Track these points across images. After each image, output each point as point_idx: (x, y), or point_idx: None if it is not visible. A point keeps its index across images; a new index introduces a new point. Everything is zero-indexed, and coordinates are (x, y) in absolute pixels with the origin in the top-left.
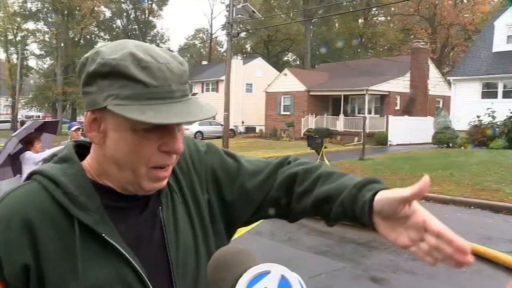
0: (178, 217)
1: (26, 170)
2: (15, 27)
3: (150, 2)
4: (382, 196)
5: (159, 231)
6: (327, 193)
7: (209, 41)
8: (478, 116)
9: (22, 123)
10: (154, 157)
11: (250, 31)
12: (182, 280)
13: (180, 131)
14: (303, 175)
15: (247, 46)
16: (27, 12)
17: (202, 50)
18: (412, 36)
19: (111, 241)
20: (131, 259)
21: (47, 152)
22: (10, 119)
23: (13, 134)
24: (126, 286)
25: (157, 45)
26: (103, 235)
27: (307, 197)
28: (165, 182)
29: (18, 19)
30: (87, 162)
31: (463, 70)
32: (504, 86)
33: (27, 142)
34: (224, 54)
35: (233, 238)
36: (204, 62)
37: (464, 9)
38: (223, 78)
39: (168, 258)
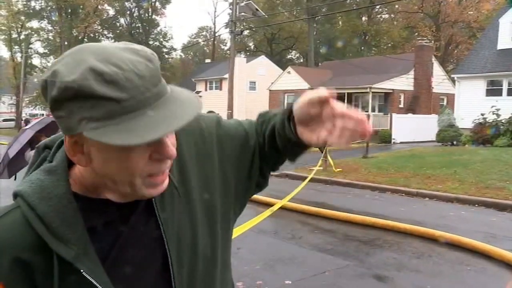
0: (175, 213)
1: None
2: (19, 26)
3: (153, 0)
4: (296, 104)
5: (157, 231)
6: (271, 129)
7: (212, 39)
8: (482, 114)
9: (27, 121)
10: (147, 167)
11: (254, 29)
12: (186, 279)
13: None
14: (261, 124)
15: (250, 44)
16: (31, 11)
17: (205, 48)
18: (416, 33)
19: (89, 278)
20: None
21: None
22: (14, 118)
23: (26, 127)
24: None
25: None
26: (81, 271)
27: (266, 141)
28: (165, 184)
29: (22, 17)
30: (79, 174)
31: (467, 68)
32: (509, 84)
33: (33, 141)
34: (228, 52)
35: (236, 235)
36: (208, 60)
37: (469, 6)
38: (226, 76)
39: (168, 257)
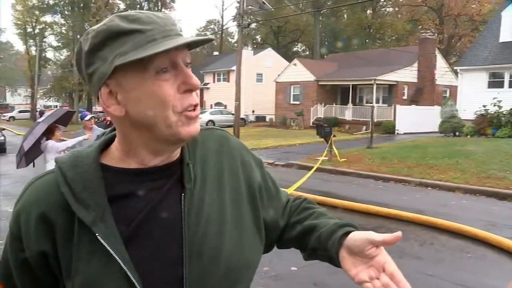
0: (203, 203)
1: (50, 158)
2: (34, 20)
3: None
4: (355, 234)
5: (177, 215)
6: (313, 225)
7: (220, 32)
8: (484, 106)
9: (41, 113)
10: (178, 101)
11: (260, 22)
12: (196, 261)
13: (189, 70)
14: (301, 209)
15: (257, 37)
16: (45, 5)
17: (213, 41)
18: (420, 26)
19: (103, 242)
20: (120, 262)
21: (71, 142)
22: (29, 109)
23: (39, 120)
24: (115, 284)
25: None
26: (96, 234)
27: (296, 228)
28: (198, 126)
29: (37, 12)
30: (113, 146)
31: (470, 60)
32: (510, 76)
33: (48, 131)
34: (235, 44)
35: None
36: (216, 53)
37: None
38: (234, 68)
39: (182, 243)
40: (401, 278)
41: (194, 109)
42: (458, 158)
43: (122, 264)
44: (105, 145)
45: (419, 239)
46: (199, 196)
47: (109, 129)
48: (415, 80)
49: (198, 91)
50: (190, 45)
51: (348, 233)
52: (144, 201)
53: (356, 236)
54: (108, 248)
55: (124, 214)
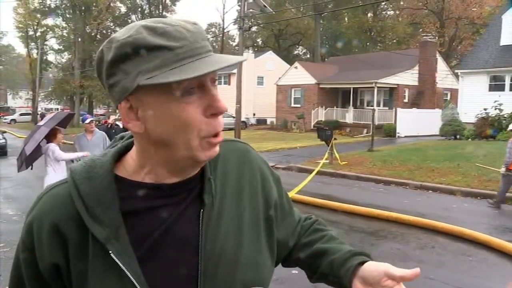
0: (222, 218)
1: (50, 162)
2: (35, 23)
3: None
4: (371, 265)
5: (195, 231)
6: (324, 249)
7: (221, 35)
8: (485, 109)
9: (42, 115)
10: (204, 125)
11: (261, 25)
12: (211, 280)
13: (215, 90)
14: (312, 231)
15: (258, 40)
16: (46, 9)
17: (214, 44)
18: (421, 29)
19: (117, 260)
20: (134, 281)
21: (71, 156)
22: (30, 112)
23: (40, 124)
24: None
25: None
26: (110, 252)
27: (306, 249)
28: (218, 149)
29: (38, 15)
30: (129, 156)
31: (470, 63)
32: (511, 79)
33: (49, 134)
34: (236, 47)
35: None
36: None
37: (472, 3)
38: (235, 71)
39: (198, 260)
40: None
41: (217, 135)
42: (459, 161)
43: (136, 284)
44: (120, 154)
45: (420, 243)
46: (218, 212)
47: (128, 133)
48: (416, 83)
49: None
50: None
51: (363, 262)
52: (161, 218)
53: (372, 267)
54: (122, 266)
55: (139, 231)
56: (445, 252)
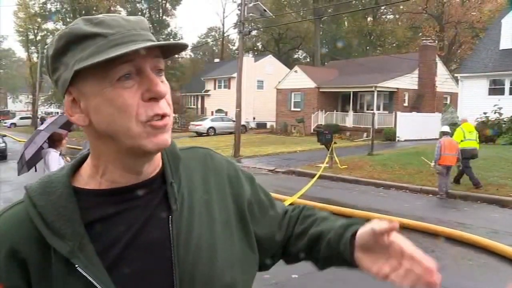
0: (193, 224)
1: (45, 167)
2: (36, 27)
3: (164, 1)
4: (361, 231)
5: (165, 236)
6: (319, 233)
7: (221, 39)
8: (485, 113)
9: (42, 119)
10: (141, 109)
11: (261, 29)
12: (188, 284)
13: (161, 80)
14: (302, 218)
15: (258, 44)
16: (46, 13)
17: (214, 48)
18: (420, 33)
19: (84, 274)
20: None
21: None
22: (31, 116)
23: (40, 128)
24: None
25: None
26: (76, 266)
27: (302, 239)
28: (167, 137)
29: (39, 19)
30: (86, 164)
31: (470, 67)
32: (511, 83)
33: (55, 139)
34: (236, 51)
35: None
36: (217, 60)
37: (472, 7)
38: (235, 75)
39: (172, 266)
40: (421, 257)
41: (161, 119)
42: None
43: None
44: (79, 165)
45: (420, 247)
46: (188, 219)
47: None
48: (416, 87)
49: (169, 101)
50: (164, 51)
51: (356, 232)
52: (127, 223)
53: (363, 233)
54: (90, 279)
55: (105, 240)
56: (445, 256)
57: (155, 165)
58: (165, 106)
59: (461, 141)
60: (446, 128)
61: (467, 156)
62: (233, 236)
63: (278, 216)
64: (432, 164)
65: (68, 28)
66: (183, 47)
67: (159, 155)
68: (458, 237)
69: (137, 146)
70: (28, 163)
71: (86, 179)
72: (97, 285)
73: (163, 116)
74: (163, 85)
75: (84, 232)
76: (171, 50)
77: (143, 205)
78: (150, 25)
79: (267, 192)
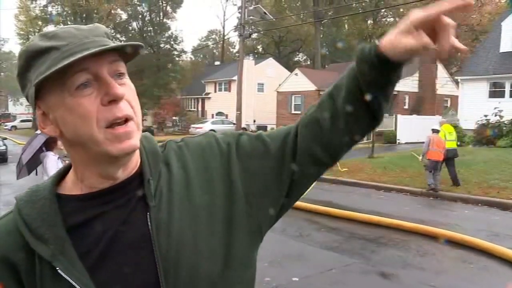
0: (173, 217)
1: (44, 171)
2: (36, 30)
3: (164, 4)
4: (388, 34)
5: (144, 234)
6: (347, 89)
7: (221, 42)
8: (485, 115)
9: None
10: (100, 114)
11: (262, 32)
12: (173, 280)
13: (122, 84)
14: (319, 109)
15: (258, 47)
16: (47, 16)
17: (214, 51)
18: None
19: (65, 276)
20: None
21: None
22: (31, 118)
23: (38, 132)
24: None
25: (171, 46)
26: (57, 269)
27: (338, 116)
28: (133, 141)
29: (39, 22)
30: (70, 172)
31: (470, 70)
32: (511, 86)
33: (50, 141)
34: (236, 54)
35: None
36: (217, 63)
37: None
38: (235, 78)
39: (155, 263)
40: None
41: (124, 123)
42: (459, 168)
43: None
44: (65, 173)
45: (421, 250)
46: (167, 213)
47: None
48: (416, 90)
49: (132, 102)
50: (124, 54)
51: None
52: (105, 225)
53: (391, 34)
54: (71, 281)
55: (86, 243)
56: (446, 259)
57: (132, 166)
58: (125, 107)
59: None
60: (437, 126)
61: (449, 155)
62: (217, 223)
63: (280, 139)
64: (420, 157)
65: (25, 46)
66: (137, 47)
67: (137, 154)
68: (459, 240)
69: (103, 152)
70: (27, 167)
71: (70, 186)
72: (78, 287)
73: (126, 120)
74: (124, 87)
75: (65, 235)
76: (131, 52)
77: (122, 206)
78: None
79: (260, 134)
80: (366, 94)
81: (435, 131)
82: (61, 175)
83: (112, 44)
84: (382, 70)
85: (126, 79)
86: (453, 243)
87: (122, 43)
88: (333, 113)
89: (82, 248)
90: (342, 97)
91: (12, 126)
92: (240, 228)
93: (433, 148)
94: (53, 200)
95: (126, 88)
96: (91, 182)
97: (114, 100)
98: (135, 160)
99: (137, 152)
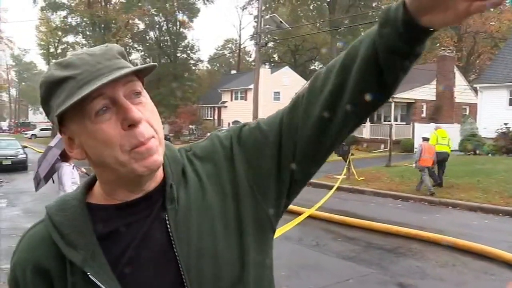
0: (190, 220)
1: (67, 184)
2: (56, 41)
3: (181, 14)
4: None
5: (166, 238)
6: (363, 56)
7: (237, 51)
8: (505, 124)
9: None
10: (123, 138)
11: (278, 41)
12: (197, 279)
13: (139, 103)
14: (321, 79)
15: (274, 56)
16: (67, 26)
17: (231, 59)
18: (438, 44)
19: (95, 280)
20: None
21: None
22: (50, 127)
23: (51, 145)
24: None
25: (188, 55)
26: (88, 274)
27: (345, 88)
28: (156, 157)
29: (59, 33)
30: (97, 185)
31: (490, 77)
32: None
33: (65, 153)
34: (253, 63)
35: None
36: (233, 72)
37: (490, 17)
38: (251, 86)
39: (179, 267)
40: None
41: (146, 144)
42: (479, 177)
43: None
44: (91, 184)
45: (440, 260)
46: (185, 215)
47: None
48: (434, 98)
49: (151, 120)
50: (139, 71)
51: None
52: (132, 234)
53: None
54: (101, 285)
55: (115, 251)
56: (467, 270)
57: (158, 177)
58: (146, 129)
59: (434, 145)
60: (427, 135)
61: (438, 158)
62: (230, 223)
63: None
64: (414, 165)
65: (44, 76)
66: (151, 68)
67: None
68: (479, 251)
69: (130, 171)
70: (44, 178)
71: (99, 196)
72: None
73: (146, 139)
74: (141, 106)
75: (96, 242)
76: (145, 70)
77: (147, 215)
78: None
79: (258, 122)
80: (384, 64)
81: (425, 139)
82: (89, 184)
83: (125, 67)
84: (410, 35)
85: (143, 97)
86: (473, 254)
87: (133, 67)
88: (341, 83)
89: (110, 256)
90: (355, 66)
91: (32, 135)
92: (250, 223)
93: (425, 156)
94: (83, 208)
95: (144, 107)
96: (120, 196)
97: (133, 124)
98: (161, 170)
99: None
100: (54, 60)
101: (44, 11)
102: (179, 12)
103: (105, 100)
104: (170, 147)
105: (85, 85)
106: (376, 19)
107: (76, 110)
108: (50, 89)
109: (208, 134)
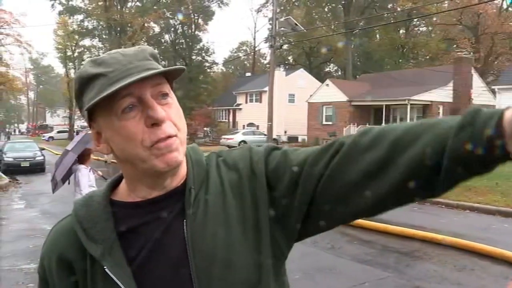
0: (207, 227)
1: (83, 186)
2: (73, 44)
3: (196, 17)
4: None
5: (181, 242)
6: (421, 150)
7: (252, 53)
8: None
9: (78, 133)
10: (145, 135)
11: (293, 43)
12: (206, 284)
13: (165, 104)
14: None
15: (289, 58)
16: (84, 30)
17: (245, 62)
18: (455, 45)
19: (111, 274)
20: None
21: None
22: (67, 129)
23: (68, 148)
24: None
25: (203, 58)
26: (105, 267)
27: (387, 173)
28: (175, 154)
29: (76, 36)
30: (123, 183)
31: (508, 79)
32: None
33: (83, 154)
34: (267, 65)
35: None
36: (248, 74)
37: (509, 17)
38: (266, 89)
39: (189, 271)
40: None
41: (166, 141)
42: (498, 180)
43: None
44: (117, 182)
45: (458, 264)
46: (202, 221)
47: None
48: (450, 100)
49: (175, 120)
50: (169, 74)
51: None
52: (150, 233)
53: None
54: (116, 279)
55: (132, 247)
56: (486, 275)
57: (181, 176)
58: (168, 128)
59: None
60: None
61: None
62: (248, 233)
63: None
64: None
65: (79, 72)
66: (180, 71)
67: (184, 166)
68: (498, 255)
69: (150, 167)
70: (62, 181)
71: (123, 193)
72: (122, 286)
73: (167, 138)
74: (167, 107)
75: (115, 238)
76: (173, 73)
77: (167, 214)
78: (183, 40)
79: (286, 151)
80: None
81: None
82: (116, 182)
83: (154, 69)
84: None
85: (170, 98)
86: (492, 258)
87: (161, 69)
88: (388, 157)
89: (129, 252)
90: (412, 152)
91: (50, 137)
92: (268, 237)
93: None
94: (106, 205)
95: (170, 108)
96: (142, 193)
97: (156, 123)
98: (184, 170)
99: (185, 163)
100: (88, 59)
101: (62, 15)
102: (193, 15)
103: (133, 99)
104: (196, 150)
105: (115, 82)
106: (392, 20)
107: (105, 106)
108: (83, 85)
109: (225, 137)
